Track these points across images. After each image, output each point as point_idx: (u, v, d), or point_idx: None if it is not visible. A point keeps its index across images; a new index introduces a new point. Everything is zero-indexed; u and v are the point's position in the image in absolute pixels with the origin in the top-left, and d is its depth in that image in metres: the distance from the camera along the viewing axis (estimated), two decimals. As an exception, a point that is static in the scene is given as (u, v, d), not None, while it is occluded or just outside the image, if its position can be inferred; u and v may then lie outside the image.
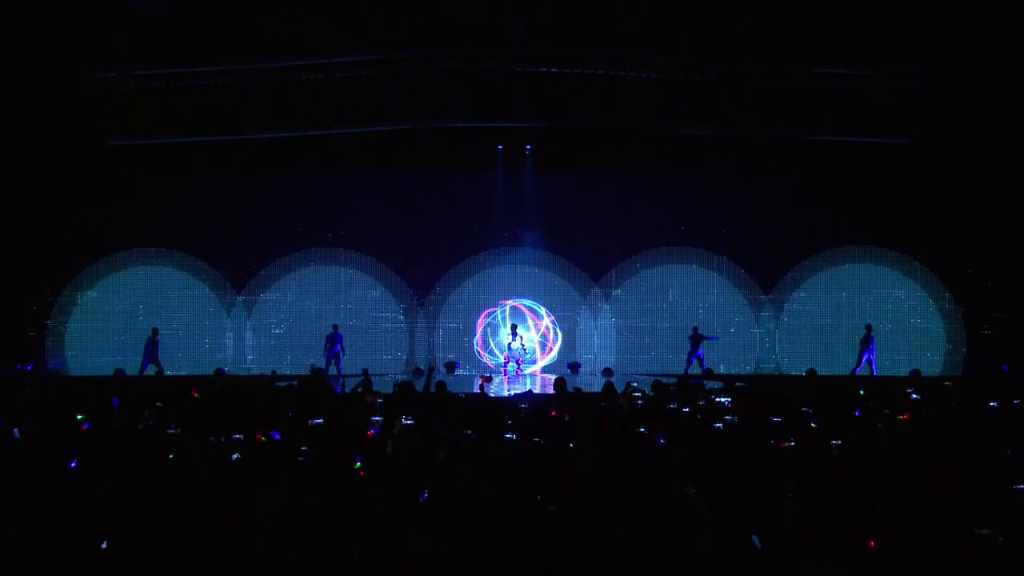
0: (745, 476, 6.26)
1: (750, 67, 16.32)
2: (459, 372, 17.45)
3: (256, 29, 15.45)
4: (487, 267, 18.35)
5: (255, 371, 17.17)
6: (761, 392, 11.17)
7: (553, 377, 12.97)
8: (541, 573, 4.40)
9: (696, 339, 17.22)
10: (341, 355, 17.21)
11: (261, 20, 15.28)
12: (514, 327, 17.47)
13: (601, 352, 18.26)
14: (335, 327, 17.43)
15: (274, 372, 15.98)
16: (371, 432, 6.55)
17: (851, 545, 4.83)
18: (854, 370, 16.66)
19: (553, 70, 16.15)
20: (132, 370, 16.57)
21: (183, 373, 16.85)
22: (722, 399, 10.41)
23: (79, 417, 7.96)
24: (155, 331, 17.15)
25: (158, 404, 8.91)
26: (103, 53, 15.64)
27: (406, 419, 7.69)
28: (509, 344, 17.11)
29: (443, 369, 17.34)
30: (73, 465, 6.71)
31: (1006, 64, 14.41)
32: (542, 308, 18.14)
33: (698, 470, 6.34)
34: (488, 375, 15.72)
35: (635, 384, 11.61)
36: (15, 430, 7.26)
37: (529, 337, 17.88)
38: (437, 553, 4.49)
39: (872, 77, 16.31)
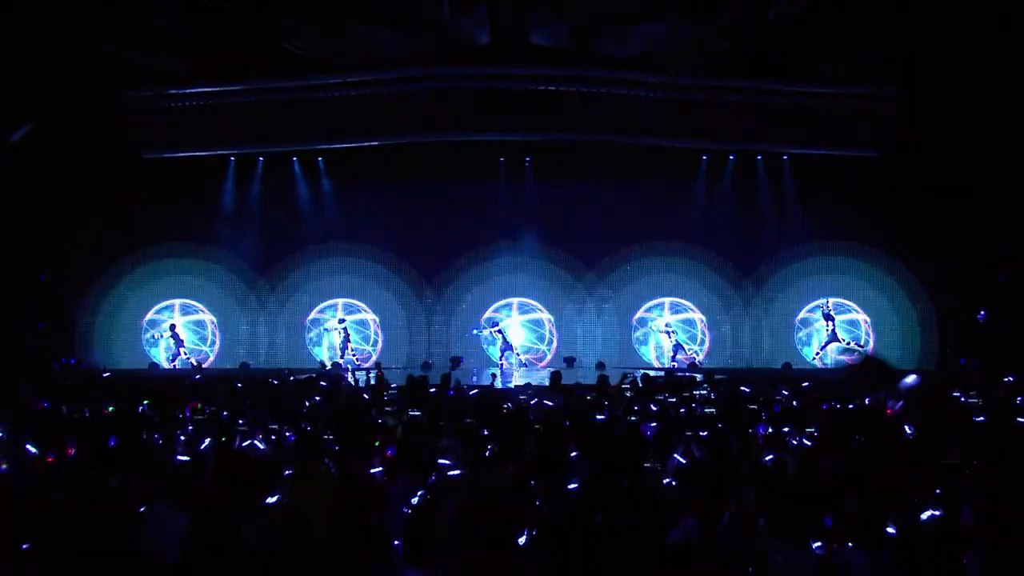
0: (724, 457, 6.37)
1: (733, 86, 16.37)
2: (464, 366, 17.51)
3: (279, 51, 15.55)
4: (490, 268, 18.39)
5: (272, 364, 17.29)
6: (740, 383, 11.28)
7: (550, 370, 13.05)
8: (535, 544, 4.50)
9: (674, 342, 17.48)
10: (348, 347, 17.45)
11: (283, 43, 15.38)
12: (495, 324, 17.50)
13: (594, 347, 18.32)
14: (343, 325, 17.60)
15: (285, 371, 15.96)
16: (389, 453, 6.31)
17: (817, 523, 4.93)
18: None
19: (551, 88, 16.20)
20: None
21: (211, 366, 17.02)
22: (704, 390, 10.52)
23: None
24: (172, 327, 17.31)
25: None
26: (140, 75, 15.77)
27: (412, 411, 7.82)
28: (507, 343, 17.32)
29: (449, 363, 17.41)
30: (112, 443, 6.89)
31: (963, 85, 14.52)
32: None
33: (683, 452, 6.45)
34: (500, 369, 15.81)
35: (632, 375, 11.69)
36: (64, 407, 7.51)
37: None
38: (443, 528, 4.60)
39: (844, 96, 16.38)
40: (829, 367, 17.20)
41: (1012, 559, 4.53)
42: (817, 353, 17.24)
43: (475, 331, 17.90)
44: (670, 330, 17.64)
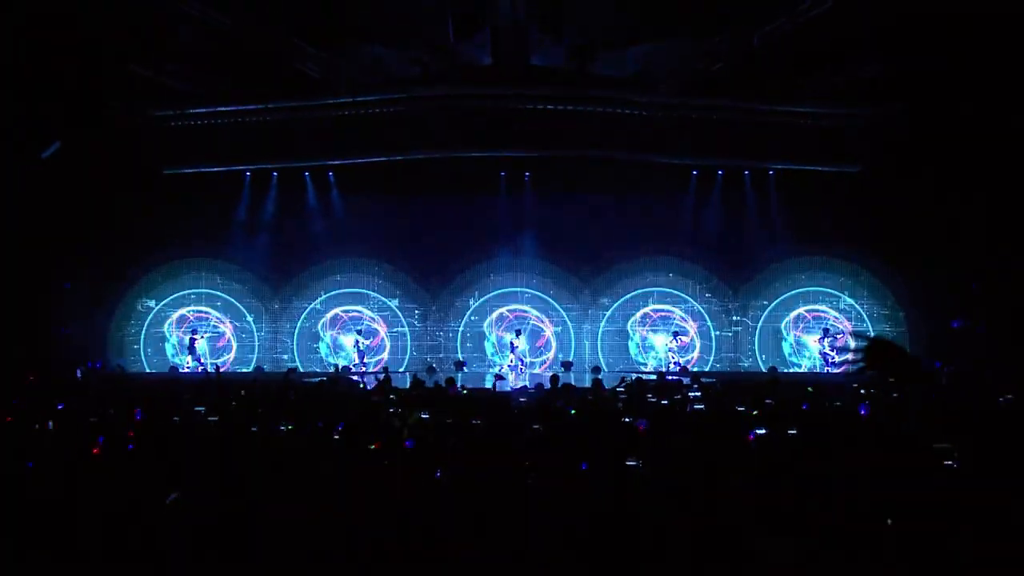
0: (711, 456, 6.37)
1: (722, 105, 16.44)
2: (467, 370, 17.54)
3: (292, 73, 15.64)
4: (491, 277, 18.47)
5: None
6: (728, 386, 11.29)
7: (549, 374, 13.06)
8: (531, 535, 4.51)
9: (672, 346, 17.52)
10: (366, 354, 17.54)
11: (296, 65, 15.46)
12: (518, 332, 17.66)
13: (590, 352, 18.34)
14: (360, 332, 17.68)
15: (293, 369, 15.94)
16: (408, 444, 6.43)
17: (806, 520, 4.92)
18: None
19: (549, 107, 16.27)
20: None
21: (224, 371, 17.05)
22: (694, 393, 10.52)
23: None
24: (195, 332, 17.45)
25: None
26: (162, 95, 15.87)
27: (422, 413, 7.82)
28: (512, 346, 17.31)
29: (453, 367, 17.44)
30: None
31: (940, 105, 14.61)
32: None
33: (671, 450, 6.45)
34: (502, 374, 15.83)
35: (628, 378, 11.68)
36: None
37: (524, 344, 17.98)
38: (448, 520, 4.61)
39: (827, 115, 16.45)
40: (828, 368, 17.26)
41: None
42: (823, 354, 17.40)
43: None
44: (675, 344, 17.64)
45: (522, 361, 17.35)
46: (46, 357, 15.27)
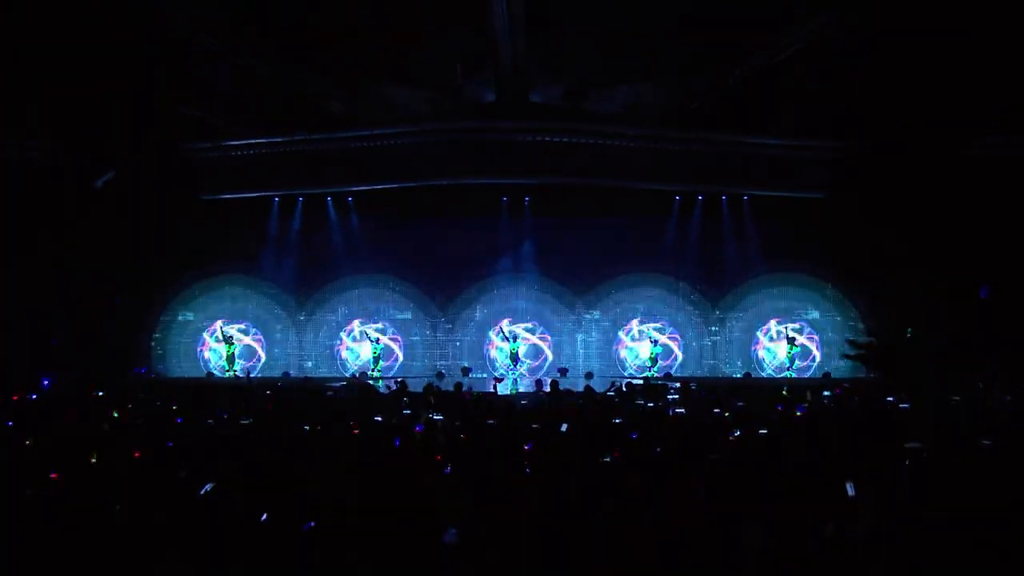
0: (690, 450, 6.52)
1: (701, 137, 16.69)
2: (472, 375, 17.68)
3: (315, 109, 15.92)
4: (494, 292, 18.67)
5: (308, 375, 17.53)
6: (707, 390, 11.46)
7: (548, 379, 13.21)
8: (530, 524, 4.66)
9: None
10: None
11: (321, 102, 15.74)
12: (513, 337, 17.81)
13: (584, 359, 18.52)
14: (377, 340, 17.90)
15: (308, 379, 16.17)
16: (417, 429, 6.73)
17: (779, 507, 5.04)
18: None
19: (547, 139, 16.51)
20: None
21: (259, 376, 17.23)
22: (676, 395, 10.69)
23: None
24: (229, 340, 17.67)
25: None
26: (200, 129, 16.16)
27: (434, 414, 7.99)
28: (510, 350, 17.49)
29: (459, 373, 17.61)
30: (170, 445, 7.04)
31: (897, 137, 14.90)
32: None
33: (657, 446, 6.60)
34: (501, 376, 15.99)
35: (619, 383, 11.82)
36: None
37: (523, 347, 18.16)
38: (457, 511, 4.78)
39: (795, 147, 16.70)
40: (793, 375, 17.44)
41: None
42: (788, 367, 17.60)
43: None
44: (656, 357, 17.87)
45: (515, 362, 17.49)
46: (103, 363, 15.53)
